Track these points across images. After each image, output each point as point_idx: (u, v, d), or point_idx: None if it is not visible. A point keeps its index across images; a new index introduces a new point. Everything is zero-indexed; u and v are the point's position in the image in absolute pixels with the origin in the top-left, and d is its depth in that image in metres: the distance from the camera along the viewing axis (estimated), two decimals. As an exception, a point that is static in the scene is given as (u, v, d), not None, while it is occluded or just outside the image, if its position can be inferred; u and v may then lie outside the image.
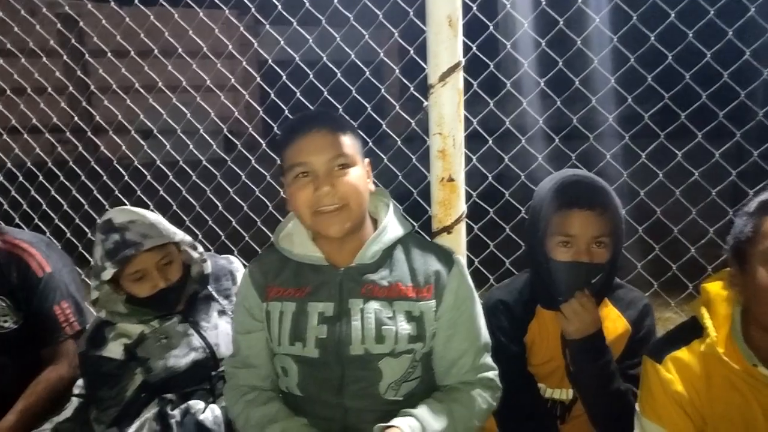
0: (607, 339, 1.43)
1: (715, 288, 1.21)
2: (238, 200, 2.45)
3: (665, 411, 1.20)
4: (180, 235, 1.62)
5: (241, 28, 2.58)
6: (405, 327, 1.30)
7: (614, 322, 1.49)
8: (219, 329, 1.68)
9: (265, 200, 2.46)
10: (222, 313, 1.72)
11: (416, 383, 1.35)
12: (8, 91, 2.79)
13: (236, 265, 1.81)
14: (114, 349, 1.60)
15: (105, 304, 1.62)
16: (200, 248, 1.69)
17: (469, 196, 1.76)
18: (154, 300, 1.59)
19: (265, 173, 2.28)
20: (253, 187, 2.50)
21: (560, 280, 1.41)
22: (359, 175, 1.31)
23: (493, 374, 1.39)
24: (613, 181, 1.60)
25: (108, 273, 1.53)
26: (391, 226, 1.37)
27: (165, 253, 1.59)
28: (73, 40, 2.72)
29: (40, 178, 2.80)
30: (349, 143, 1.31)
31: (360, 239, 1.34)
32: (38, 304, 1.77)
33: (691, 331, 1.22)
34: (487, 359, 1.39)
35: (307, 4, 2.03)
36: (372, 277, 1.32)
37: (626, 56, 1.92)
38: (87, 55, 2.82)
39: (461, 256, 1.64)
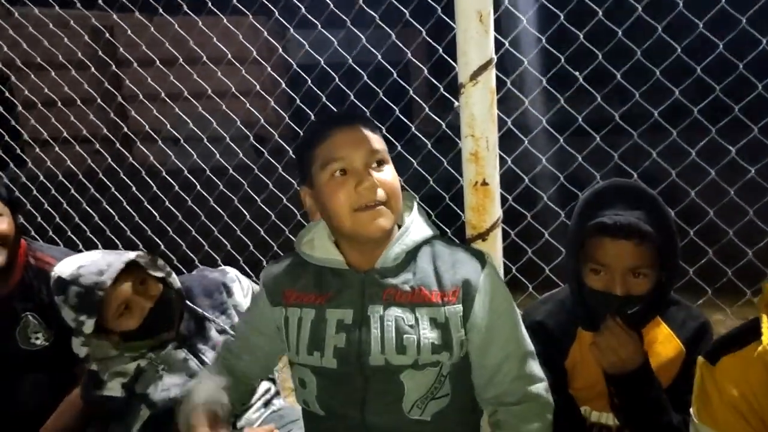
0: (657, 363, 1.29)
1: None
2: (266, 209, 2.41)
3: (722, 415, 1.11)
4: (132, 253, 1.54)
5: (265, 33, 2.54)
6: (428, 335, 1.20)
7: (666, 345, 1.34)
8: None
9: (293, 208, 2.42)
10: (223, 332, 1.64)
11: (445, 402, 1.24)
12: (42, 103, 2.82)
13: (231, 275, 1.73)
14: (113, 387, 1.54)
15: (95, 355, 1.56)
16: (160, 261, 1.60)
17: (504, 200, 1.67)
18: (147, 326, 1.52)
19: (293, 181, 2.23)
20: (280, 195, 2.45)
21: (593, 308, 1.29)
22: (395, 174, 1.24)
23: (543, 387, 1.26)
24: (660, 181, 1.47)
25: (89, 325, 1.46)
26: (415, 227, 1.29)
27: (133, 276, 1.52)
28: (100, 52, 2.73)
29: (72, 190, 2.82)
30: (381, 140, 1.25)
31: (383, 243, 1.25)
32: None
33: (750, 333, 1.12)
34: (535, 368, 1.27)
35: (332, 5, 1.97)
36: (394, 281, 1.23)
37: (673, 48, 1.80)
38: (114, 66, 2.83)
39: (498, 264, 1.54)
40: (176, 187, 2.63)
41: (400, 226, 1.31)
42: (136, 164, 2.83)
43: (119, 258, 1.51)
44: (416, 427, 1.22)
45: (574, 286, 1.33)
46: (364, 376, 1.21)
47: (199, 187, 2.58)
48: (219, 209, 2.51)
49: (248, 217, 2.44)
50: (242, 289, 1.72)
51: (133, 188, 2.70)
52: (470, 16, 1.47)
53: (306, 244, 1.33)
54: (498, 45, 1.54)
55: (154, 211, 2.66)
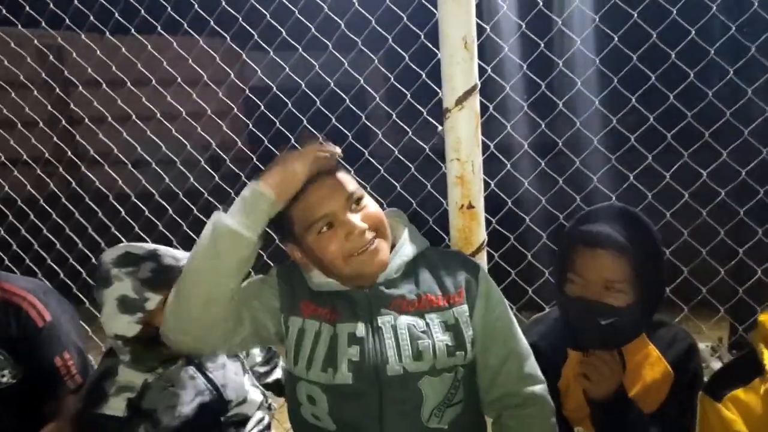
0: (645, 386, 1.32)
1: None
2: None
3: None
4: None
5: (216, 56, 2.53)
6: (441, 338, 1.22)
7: (654, 367, 1.36)
8: (227, 368, 1.60)
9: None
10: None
11: (461, 408, 1.26)
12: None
13: None
14: (116, 406, 1.48)
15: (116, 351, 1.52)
16: None
17: (488, 223, 1.69)
18: None
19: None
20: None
21: (572, 319, 1.33)
22: (373, 202, 1.26)
23: (544, 389, 1.30)
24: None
25: (153, 302, 1.44)
26: (411, 239, 1.31)
27: None
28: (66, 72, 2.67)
29: (10, 217, 2.70)
30: (349, 175, 1.26)
31: None
32: (39, 356, 1.66)
33: (750, 367, 1.14)
34: (534, 369, 1.30)
35: (313, 30, 1.99)
36: (399, 291, 1.25)
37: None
38: (58, 88, 2.75)
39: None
40: (122, 213, 2.55)
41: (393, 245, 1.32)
42: (79, 190, 2.73)
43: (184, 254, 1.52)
44: None
45: (558, 299, 1.36)
46: (379, 388, 1.20)
47: (147, 212, 2.52)
48: (169, 234, 2.45)
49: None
50: None
51: (76, 214, 2.61)
52: (455, 43, 1.51)
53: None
54: (480, 71, 1.58)
55: (99, 238, 2.59)
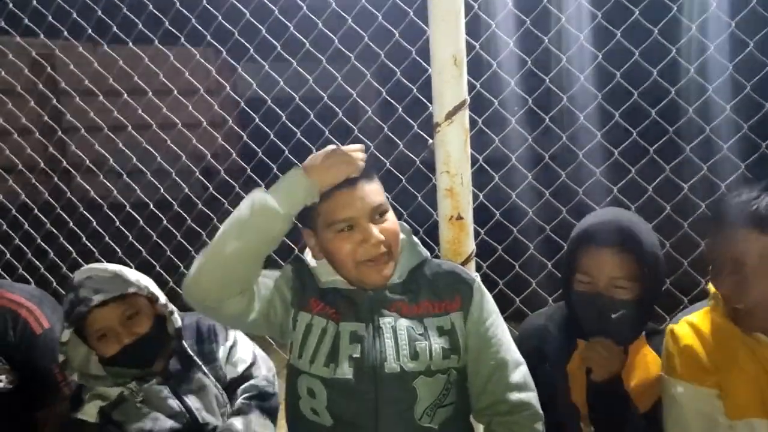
0: (642, 382, 1.39)
1: None
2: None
3: (685, 366, 1.27)
4: (138, 285, 1.53)
5: (210, 66, 2.56)
6: (438, 341, 1.30)
7: (650, 367, 1.43)
8: (207, 389, 1.59)
9: None
10: (208, 375, 1.61)
11: (451, 410, 1.32)
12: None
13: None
14: (89, 411, 1.51)
15: (80, 368, 1.54)
16: (162, 299, 1.59)
17: (477, 233, 1.73)
18: (123, 357, 1.50)
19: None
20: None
21: (579, 313, 1.40)
22: (395, 219, 1.34)
23: (533, 397, 1.35)
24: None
25: (65, 335, 1.47)
26: (413, 249, 1.39)
27: (126, 305, 1.51)
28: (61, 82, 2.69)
29: (4, 225, 2.70)
30: (380, 188, 1.33)
31: None
32: (36, 363, 1.68)
33: (704, 304, 1.33)
34: (524, 378, 1.35)
35: (308, 45, 2.03)
36: (400, 296, 1.33)
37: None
38: (55, 98, 2.76)
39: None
40: (117, 222, 2.57)
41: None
42: (74, 199, 2.74)
43: (124, 284, 1.50)
44: None
45: (566, 298, 1.45)
46: (375, 385, 1.27)
47: (142, 222, 2.54)
48: (162, 244, 2.46)
49: (192, 251, 2.40)
50: (227, 340, 1.68)
51: (71, 223, 2.62)
52: (445, 60, 1.56)
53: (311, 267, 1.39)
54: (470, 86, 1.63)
55: (93, 247, 2.61)
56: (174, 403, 1.54)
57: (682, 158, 2.01)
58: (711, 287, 1.29)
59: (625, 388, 1.39)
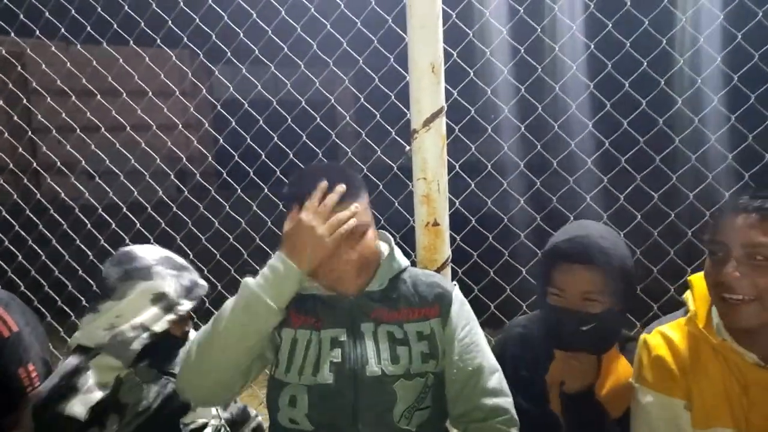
0: (615, 388, 1.42)
1: (698, 276, 1.33)
2: (186, 248, 2.34)
3: (655, 375, 1.30)
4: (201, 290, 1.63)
5: (185, 67, 2.55)
6: (417, 345, 1.33)
7: (622, 375, 1.45)
8: None
9: (213, 250, 2.40)
10: None
11: (428, 414, 1.34)
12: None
13: None
14: (78, 410, 1.42)
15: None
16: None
17: (452, 239, 1.75)
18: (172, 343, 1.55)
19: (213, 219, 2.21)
20: (199, 234, 2.42)
21: (553, 324, 1.42)
22: (373, 234, 1.35)
23: (509, 403, 1.37)
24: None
25: (184, 309, 1.53)
26: (394, 258, 1.41)
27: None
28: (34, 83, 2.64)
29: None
30: (364, 206, 1.33)
31: (362, 273, 1.35)
32: (2, 367, 1.62)
33: (678, 315, 1.35)
34: (500, 384, 1.38)
35: (286, 49, 2.03)
36: (380, 303, 1.36)
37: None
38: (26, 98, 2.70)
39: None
40: (89, 225, 2.52)
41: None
42: (44, 201, 2.68)
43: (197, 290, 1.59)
44: None
45: (542, 310, 1.48)
46: (355, 389, 1.29)
47: (114, 224, 2.50)
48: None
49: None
50: None
51: (40, 226, 2.56)
52: (423, 68, 1.57)
53: None
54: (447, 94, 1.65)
55: (62, 250, 2.55)
56: (164, 380, 1.55)
57: (652, 168, 2.05)
58: (687, 297, 1.31)
59: (598, 396, 1.41)
